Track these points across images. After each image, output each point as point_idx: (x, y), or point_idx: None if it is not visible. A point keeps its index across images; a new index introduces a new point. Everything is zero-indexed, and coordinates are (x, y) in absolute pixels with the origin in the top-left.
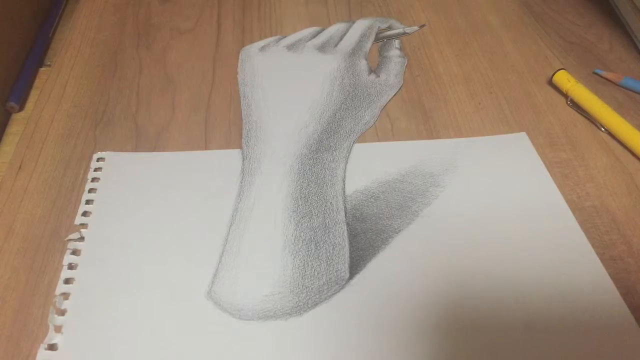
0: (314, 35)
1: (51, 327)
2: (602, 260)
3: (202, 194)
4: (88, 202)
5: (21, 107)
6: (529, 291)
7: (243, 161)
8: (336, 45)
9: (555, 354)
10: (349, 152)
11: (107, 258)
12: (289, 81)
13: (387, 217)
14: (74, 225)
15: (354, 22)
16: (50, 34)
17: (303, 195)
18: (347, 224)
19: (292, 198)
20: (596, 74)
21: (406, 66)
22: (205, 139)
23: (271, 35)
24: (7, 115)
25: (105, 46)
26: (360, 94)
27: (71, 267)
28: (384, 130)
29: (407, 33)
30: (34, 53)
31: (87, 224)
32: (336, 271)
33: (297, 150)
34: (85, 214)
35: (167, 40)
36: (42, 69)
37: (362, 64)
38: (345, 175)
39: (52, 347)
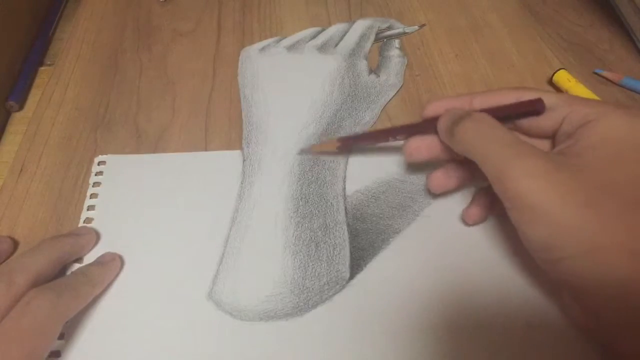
0: (314, 36)
1: None
2: None
3: (202, 195)
4: (90, 208)
5: (21, 106)
6: (530, 290)
7: (243, 162)
8: (336, 46)
9: (557, 353)
10: (349, 153)
11: None
12: (289, 82)
13: (387, 217)
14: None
15: (353, 23)
16: (50, 33)
17: (303, 196)
18: (348, 224)
19: (293, 199)
20: (596, 73)
21: (406, 66)
22: (206, 140)
23: (271, 36)
24: (7, 115)
25: (106, 48)
26: (360, 94)
27: None
28: None
29: (407, 33)
30: (33, 52)
31: None
32: (337, 271)
33: (298, 151)
34: (87, 220)
35: (168, 42)
36: (42, 69)
37: (362, 64)
38: (345, 176)
39: (54, 354)
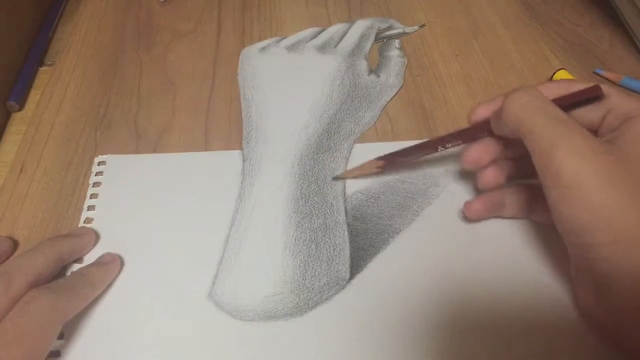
0: (314, 36)
1: None
2: None
3: (202, 195)
4: (90, 208)
5: (21, 107)
6: (531, 291)
7: (243, 162)
8: (336, 46)
9: (557, 355)
10: (350, 153)
11: None
12: (289, 82)
13: (387, 217)
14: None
15: (353, 23)
16: (50, 33)
17: (304, 196)
18: (348, 224)
19: (293, 199)
20: (596, 74)
21: (406, 66)
22: (206, 140)
23: (271, 36)
24: (7, 115)
25: (106, 48)
26: (360, 95)
27: None
28: (384, 130)
29: (407, 33)
30: (33, 52)
31: None
32: (337, 271)
33: (298, 151)
34: (87, 220)
35: (168, 42)
36: (42, 69)
37: (362, 64)
38: None
39: (54, 354)
